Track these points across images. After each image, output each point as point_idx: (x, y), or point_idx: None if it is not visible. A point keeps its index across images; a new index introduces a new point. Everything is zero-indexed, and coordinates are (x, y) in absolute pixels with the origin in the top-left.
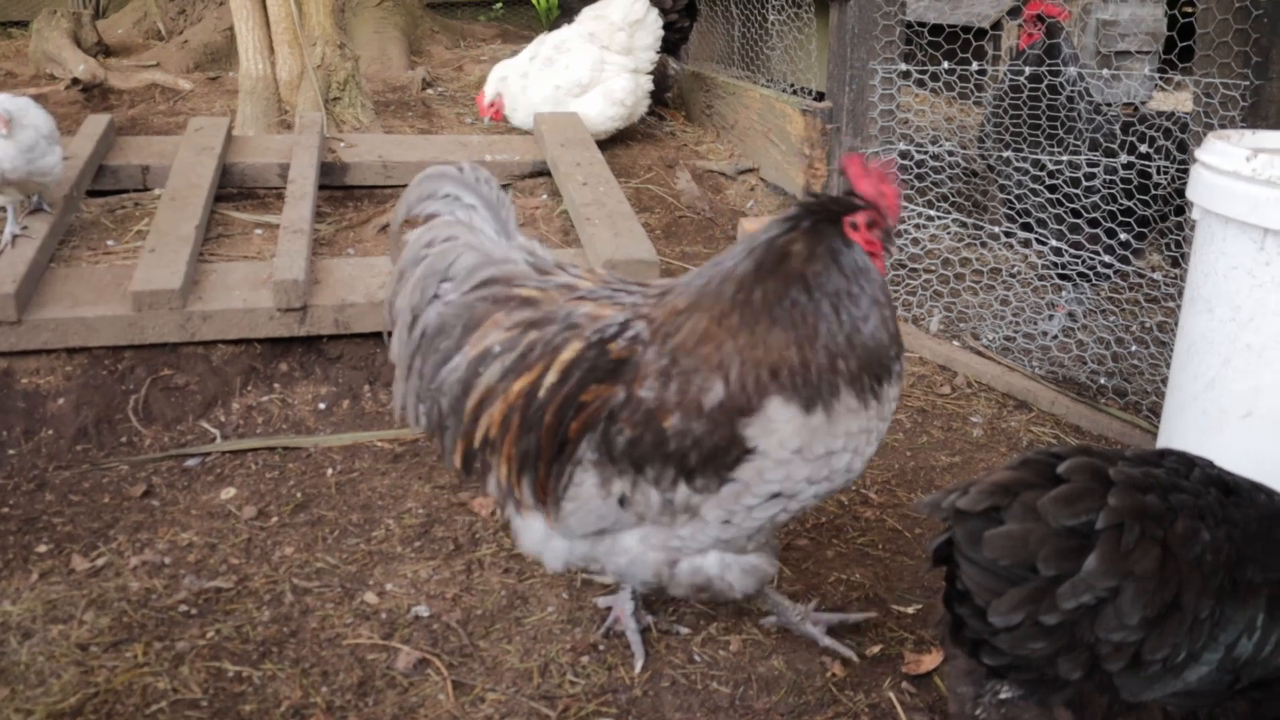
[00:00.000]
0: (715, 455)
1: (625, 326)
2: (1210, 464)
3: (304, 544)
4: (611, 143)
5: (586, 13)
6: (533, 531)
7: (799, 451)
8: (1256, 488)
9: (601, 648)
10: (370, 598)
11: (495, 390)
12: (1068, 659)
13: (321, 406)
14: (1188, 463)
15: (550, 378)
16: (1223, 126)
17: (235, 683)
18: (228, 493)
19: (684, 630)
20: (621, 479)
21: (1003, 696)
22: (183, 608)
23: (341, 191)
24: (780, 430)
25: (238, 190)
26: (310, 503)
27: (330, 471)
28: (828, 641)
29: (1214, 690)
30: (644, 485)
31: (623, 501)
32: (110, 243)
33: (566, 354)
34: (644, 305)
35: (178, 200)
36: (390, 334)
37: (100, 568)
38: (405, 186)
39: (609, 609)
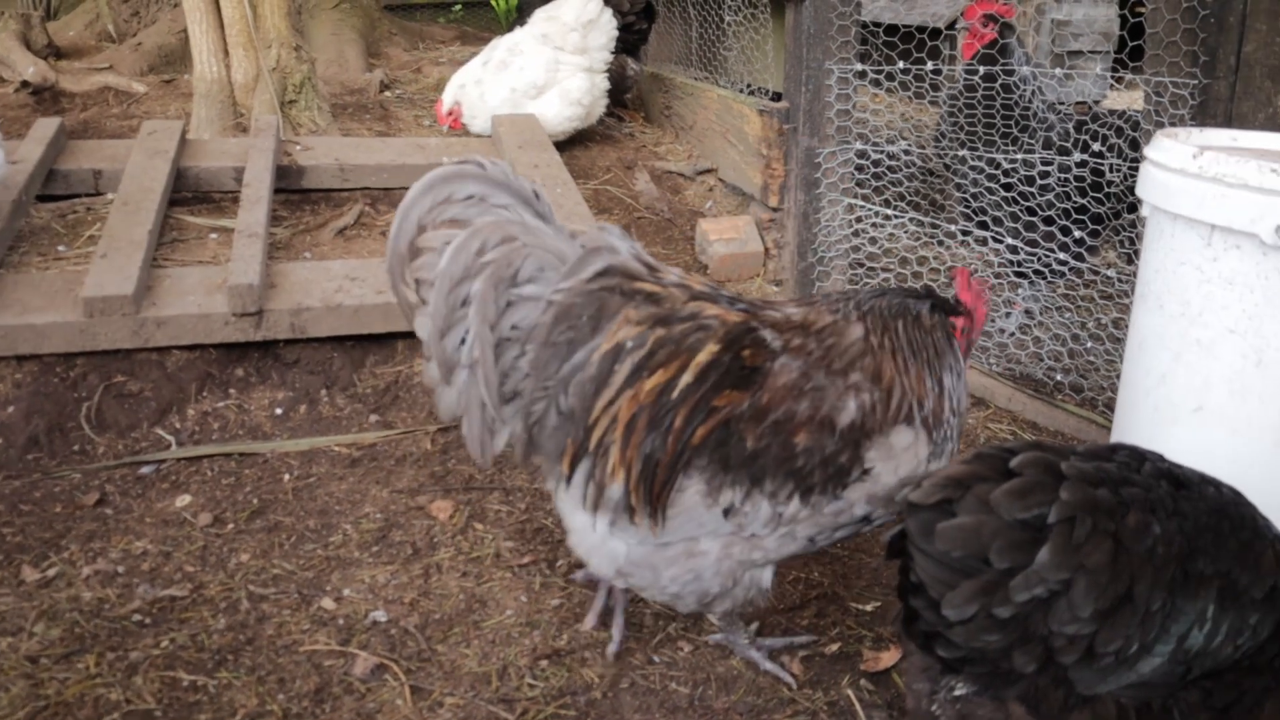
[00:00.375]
0: (837, 474)
1: (753, 331)
2: (1161, 458)
3: (260, 550)
4: (570, 144)
5: (539, 14)
6: (592, 532)
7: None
8: (1205, 481)
9: (561, 651)
10: (327, 603)
11: (625, 388)
12: (1022, 652)
13: (278, 412)
14: (1139, 457)
15: (686, 378)
16: (1173, 125)
17: (190, 692)
18: (183, 500)
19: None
20: (734, 489)
21: (957, 693)
22: (136, 617)
23: (298, 195)
24: (898, 457)
25: (192, 194)
26: (267, 509)
27: (287, 477)
28: (769, 666)
29: (1166, 681)
30: (757, 497)
31: (728, 511)
32: (61, 248)
33: (703, 356)
34: (765, 313)
35: (130, 205)
36: (426, 358)
37: (51, 578)
38: (363, 190)
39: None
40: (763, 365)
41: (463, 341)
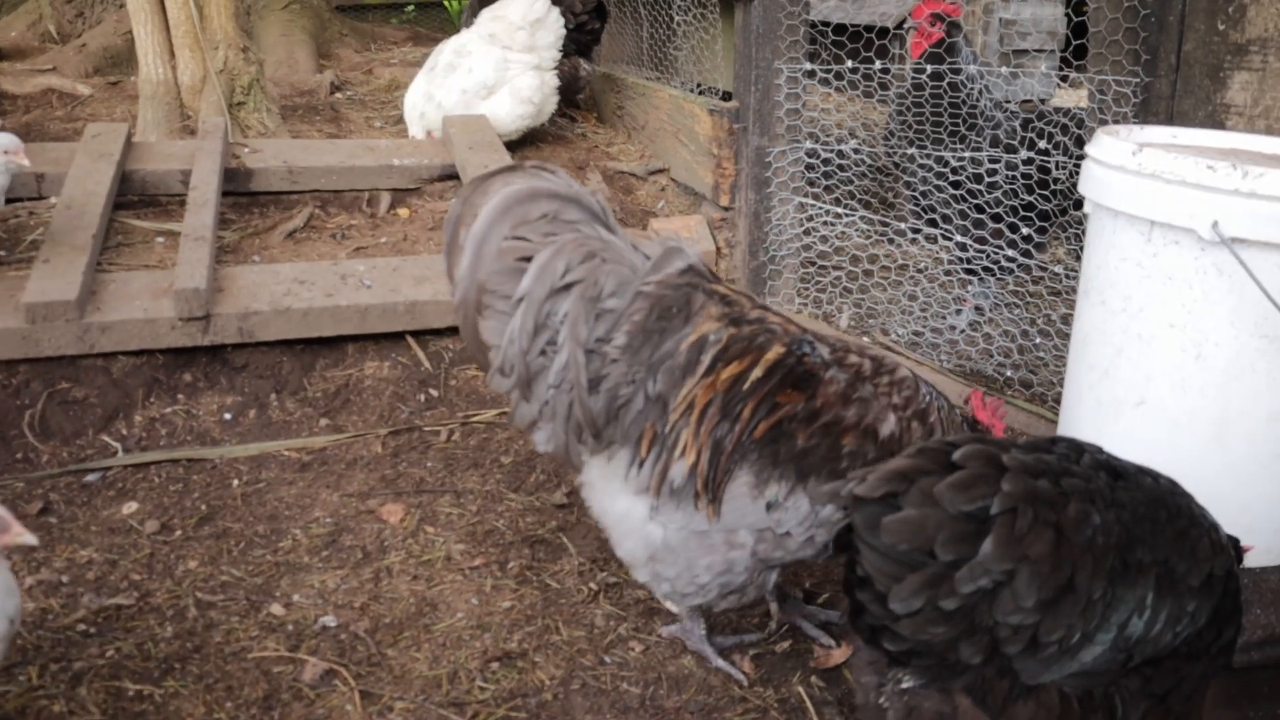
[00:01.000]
0: None
1: (812, 345)
2: (1099, 449)
3: (208, 557)
4: (522, 144)
5: (485, 14)
6: (634, 516)
7: None
8: (1142, 471)
9: (512, 653)
10: (277, 609)
11: (705, 376)
12: (968, 643)
13: (227, 417)
14: (1077, 449)
15: (756, 372)
16: (1116, 122)
17: (136, 701)
18: (129, 507)
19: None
20: (780, 483)
21: (905, 685)
22: (81, 627)
23: (247, 198)
24: None
25: (139, 198)
26: (215, 515)
27: (236, 483)
28: (720, 663)
29: (1108, 669)
30: (800, 494)
31: (771, 505)
32: (2, 254)
33: (771, 354)
34: (818, 335)
35: (74, 209)
36: (505, 372)
37: None
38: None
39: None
40: (818, 373)
41: (541, 353)
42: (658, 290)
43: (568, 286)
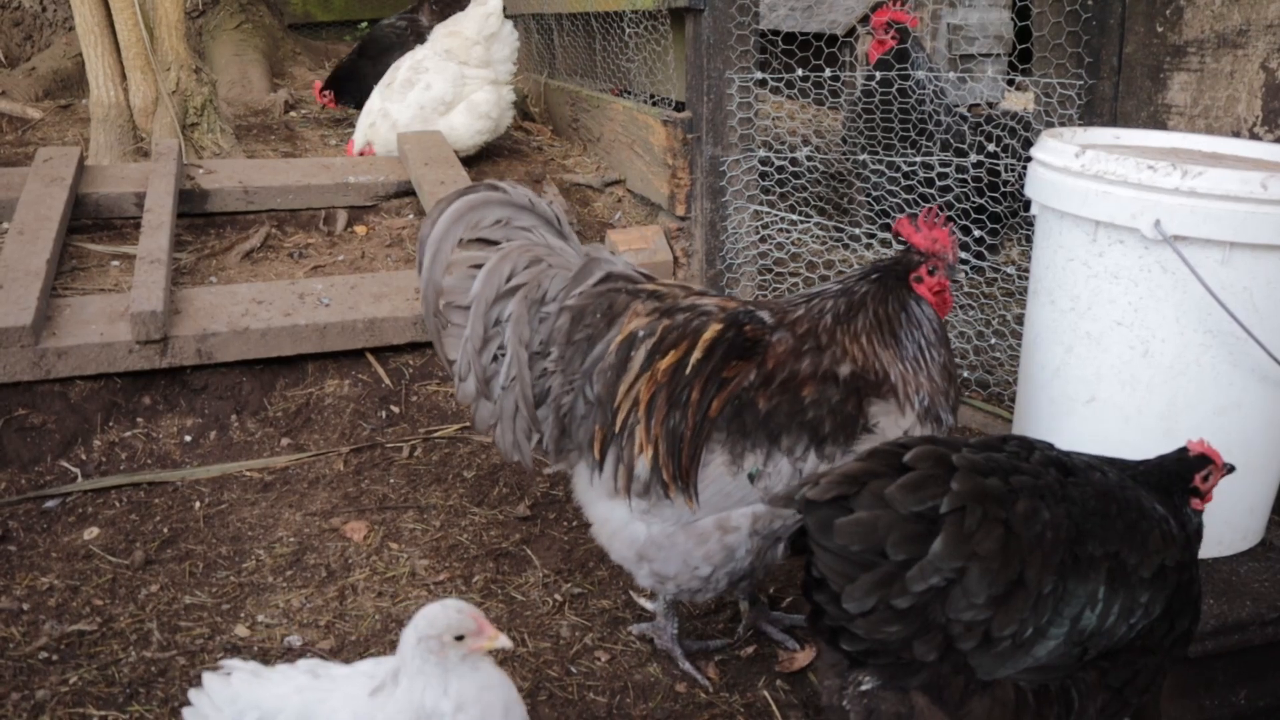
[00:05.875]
0: (846, 424)
1: (751, 312)
2: (1050, 446)
3: (171, 580)
4: (478, 159)
5: (439, 30)
6: (615, 517)
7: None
8: (1092, 466)
9: None
10: (241, 631)
11: (643, 371)
12: (922, 641)
13: (188, 439)
14: (1028, 446)
15: (696, 354)
16: (1062, 124)
17: None
18: (90, 533)
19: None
20: (755, 452)
21: (864, 688)
22: (43, 654)
23: (203, 219)
24: (894, 413)
25: (93, 221)
26: (177, 538)
27: (198, 505)
28: (686, 666)
29: (1063, 663)
30: (778, 456)
31: (753, 477)
32: None
33: (708, 334)
34: (758, 302)
35: (27, 234)
36: (462, 376)
37: None
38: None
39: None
40: (763, 338)
41: (495, 358)
42: (578, 302)
43: (513, 290)
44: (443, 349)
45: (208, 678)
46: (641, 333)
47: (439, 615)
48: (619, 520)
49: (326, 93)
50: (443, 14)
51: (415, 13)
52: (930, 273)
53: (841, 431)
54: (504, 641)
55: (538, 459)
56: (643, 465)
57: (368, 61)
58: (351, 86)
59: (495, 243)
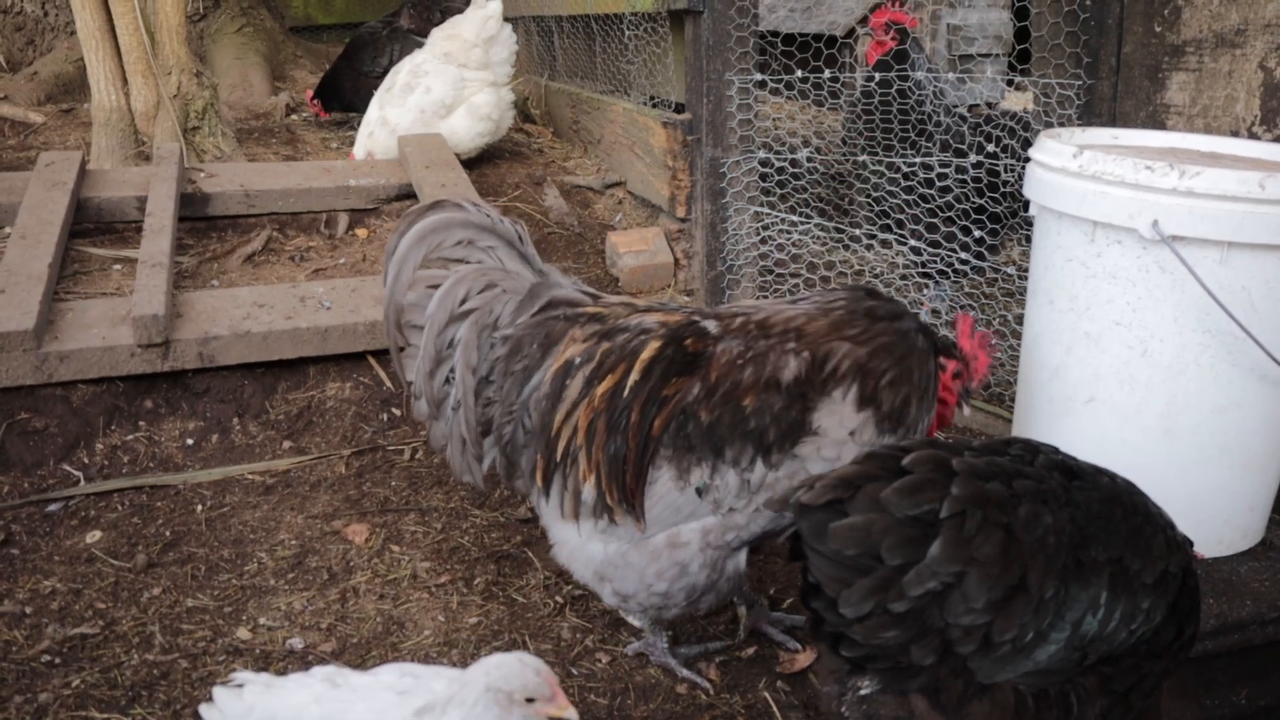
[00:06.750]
0: (791, 430)
1: (694, 325)
2: (1055, 450)
3: (174, 583)
4: (479, 161)
5: (437, 34)
6: (573, 539)
7: (852, 435)
8: (1099, 471)
9: None
10: (243, 634)
11: (580, 398)
12: (920, 645)
13: (189, 442)
14: (1032, 450)
15: (633, 377)
16: (1061, 125)
17: None
18: (93, 536)
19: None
20: (700, 466)
21: (863, 692)
22: (46, 658)
23: (204, 222)
24: (840, 412)
25: (94, 225)
26: (180, 541)
27: (200, 508)
28: (685, 673)
29: (1064, 668)
30: (723, 468)
31: (700, 491)
32: None
33: (646, 353)
34: (707, 310)
35: (29, 238)
36: (416, 396)
37: None
38: (270, 215)
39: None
40: (706, 350)
41: (447, 380)
42: (516, 332)
43: (465, 314)
44: (401, 368)
45: (219, 692)
46: (578, 359)
47: (517, 673)
48: (575, 542)
49: (316, 101)
50: (421, 18)
51: (395, 16)
52: (955, 375)
53: (786, 439)
54: (573, 714)
55: (489, 480)
56: (588, 491)
57: (344, 62)
58: (335, 92)
59: (459, 261)
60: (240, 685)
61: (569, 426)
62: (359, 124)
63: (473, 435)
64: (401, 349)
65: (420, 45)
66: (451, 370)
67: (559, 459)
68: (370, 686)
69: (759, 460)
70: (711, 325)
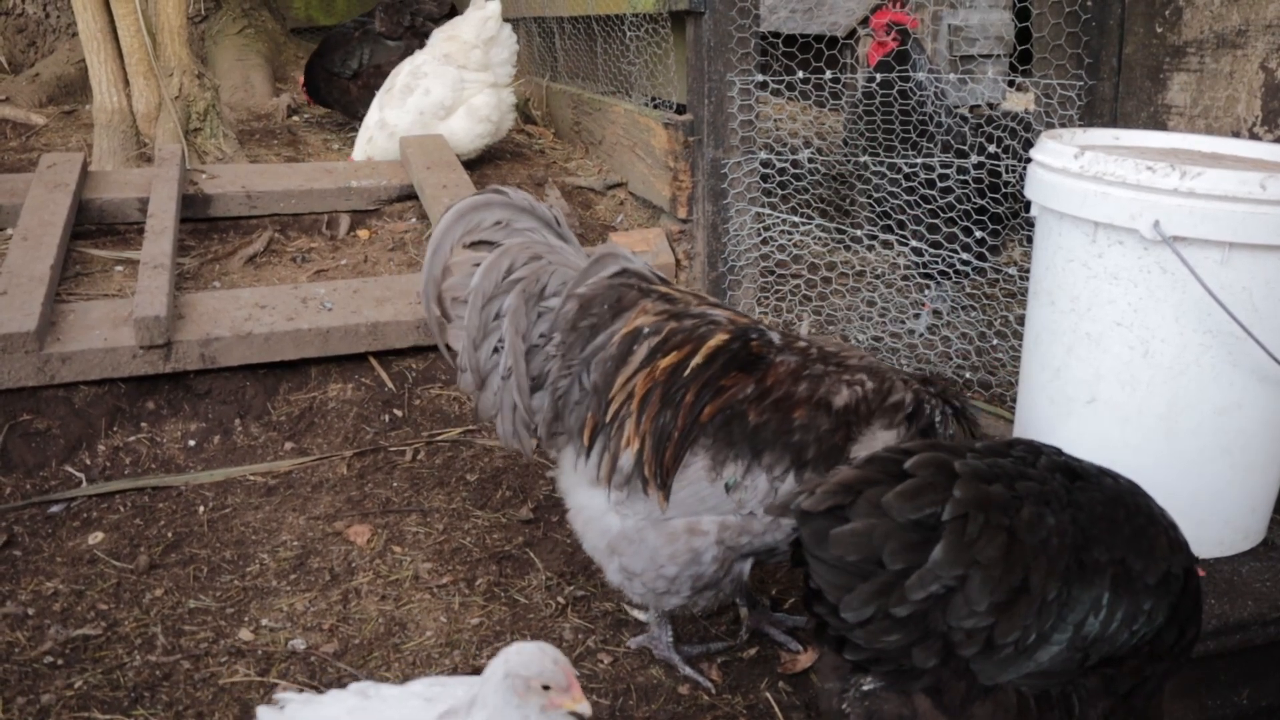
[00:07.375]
0: (831, 453)
1: (761, 330)
2: (1058, 451)
3: (176, 584)
4: (480, 162)
5: (438, 35)
6: (593, 506)
7: None
8: (1103, 472)
9: (481, 669)
10: (245, 634)
11: (643, 366)
12: (922, 648)
13: (191, 443)
14: (1035, 451)
15: (698, 359)
16: (1062, 125)
17: None
18: (95, 537)
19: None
20: (736, 463)
21: (866, 689)
22: (48, 659)
23: (206, 224)
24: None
25: (96, 227)
26: (182, 542)
27: (202, 509)
28: (688, 671)
29: (1066, 669)
30: (757, 471)
31: (729, 487)
32: None
33: (714, 341)
34: (771, 325)
35: (31, 239)
36: (463, 368)
37: None
38: (272, 216)
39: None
40: (767, 356)
41: (495, 350)
42: (588, 291)
43: (512, 284)
44: (443, 340)
45: (263, 711)
46: (647, 329)
47: (534, 658)
48: (596, 509)
49: (305, 88)
50: (391, 21)
51: (370, 17)
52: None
53: (824, 460)
54: (586, 708)
55: (538, 453)
56: (627, 458)
57: (317, 59)
58: (310, 86)
59: (497, 244)
60: (281, 706)
61: (625, 390)
62: (342, 119)
63: (523, 399)
64: (445, 320)
65: (389, 48)
66: (500, 340)
67: (608, 420)
68: (399, 696)
69: (792, 473)
70: (775, 337)
